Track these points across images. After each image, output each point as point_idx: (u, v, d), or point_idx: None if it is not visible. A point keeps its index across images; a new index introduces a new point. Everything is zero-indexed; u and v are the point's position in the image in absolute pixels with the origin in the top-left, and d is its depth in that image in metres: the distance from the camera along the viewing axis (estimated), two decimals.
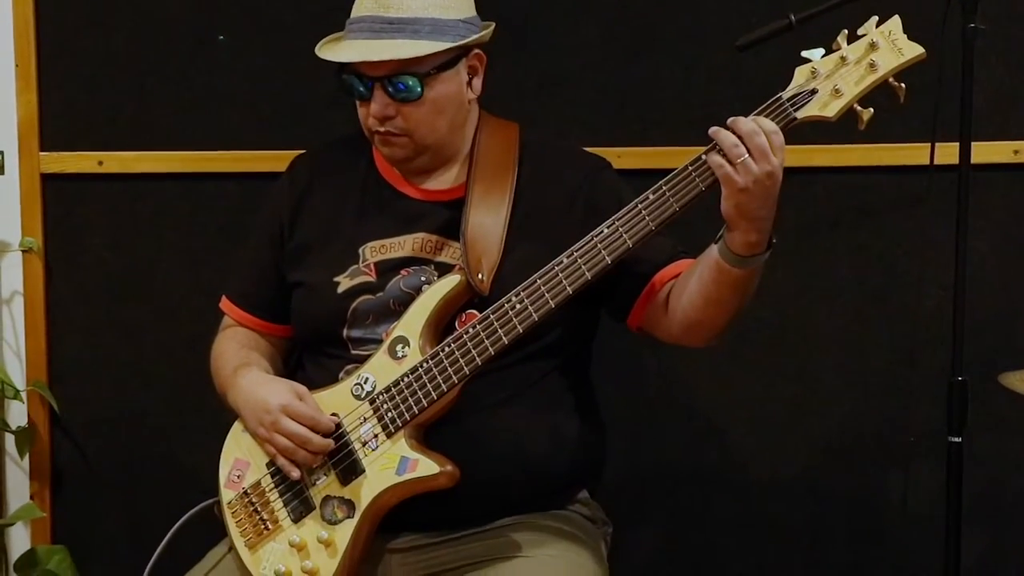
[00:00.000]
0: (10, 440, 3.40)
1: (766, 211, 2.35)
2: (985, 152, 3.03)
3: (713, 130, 2.35)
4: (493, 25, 2.65)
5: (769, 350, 3.27)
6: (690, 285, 2.50)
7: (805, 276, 3.25)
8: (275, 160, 3.24)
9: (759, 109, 2.37)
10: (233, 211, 3.33)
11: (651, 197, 2.43)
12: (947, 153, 2.65)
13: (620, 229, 2.44)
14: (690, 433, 3.34)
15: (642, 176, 3.10)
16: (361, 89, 2.58)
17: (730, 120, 2.34)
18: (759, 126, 2.31)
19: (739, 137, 2.31)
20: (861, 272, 3.26)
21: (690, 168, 2.40)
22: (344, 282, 2.62)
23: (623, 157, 3.18)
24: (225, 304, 2.82)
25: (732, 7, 3.20)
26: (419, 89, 2.54)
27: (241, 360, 2.68)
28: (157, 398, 3.41)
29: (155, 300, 3.38)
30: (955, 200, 2.60)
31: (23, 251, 3.36)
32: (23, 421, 3.40)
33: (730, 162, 2.31)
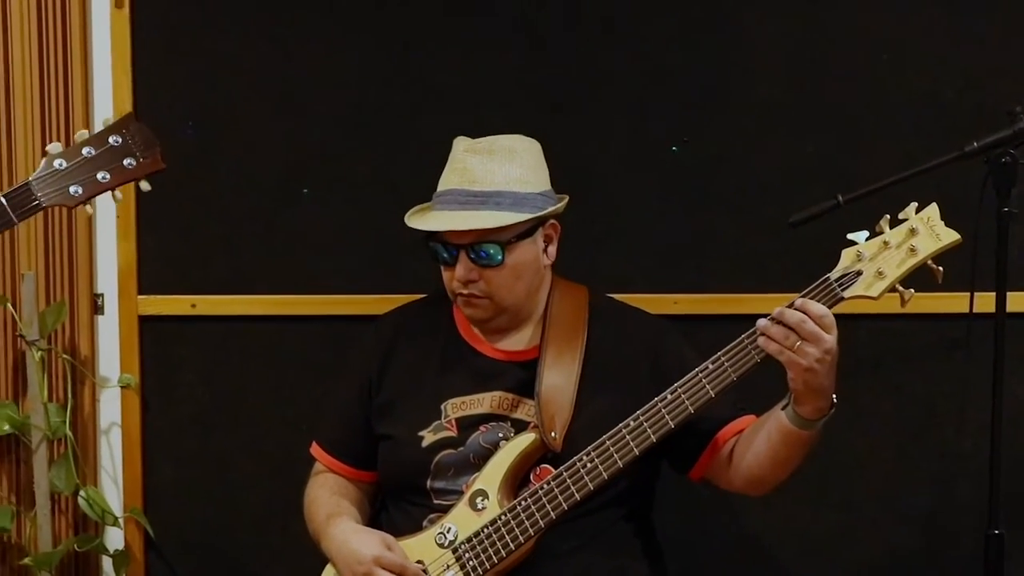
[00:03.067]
0: (108, 563, 3.60)
1: (829, 380, 2.59)
2: (1021, 301, 3.19)
3: (762, 326, 2.57)
4: (567, 198, 2.89)
5: (816, 481, 3.45)
6: (756, 444, 2.73)
7: (850, 414, 3.40)
8: (355, 304, 3.51)
9: (808, 290, 2.60)
10: (316, 351, 3.55)
11: (710, 367, 2.66)
12: (985, 302, 2.82)
13: (682, 396, 2.67)
14: (741, 557, 3.53)
15: (697, 321, 3.38)
16: (446, 255, 2.82)
17: (776, 312, 2.56)
18: (806, 312, 2.53)
19: (789, 327, 2.53)
20: (903, 412, 3.46)
21: (746, 341, 2.63)
22: (428, 437, 2.85)
23: (680, 303, 3.42)
24: (316, 450, 3.05)
25: (780, 166, 3.44)
26: (500, 256, 2.78)
27: (332, 509, 2.91)
28: (245, 524, 3.62)
29: (243, 433, 3.60)
30: (993, 346, 2.79)
31: (121, 387, 3.59)
32: (120, 545, 3.61)
33: (788, 348, 2.53)
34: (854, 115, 3.43)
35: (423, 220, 2.84)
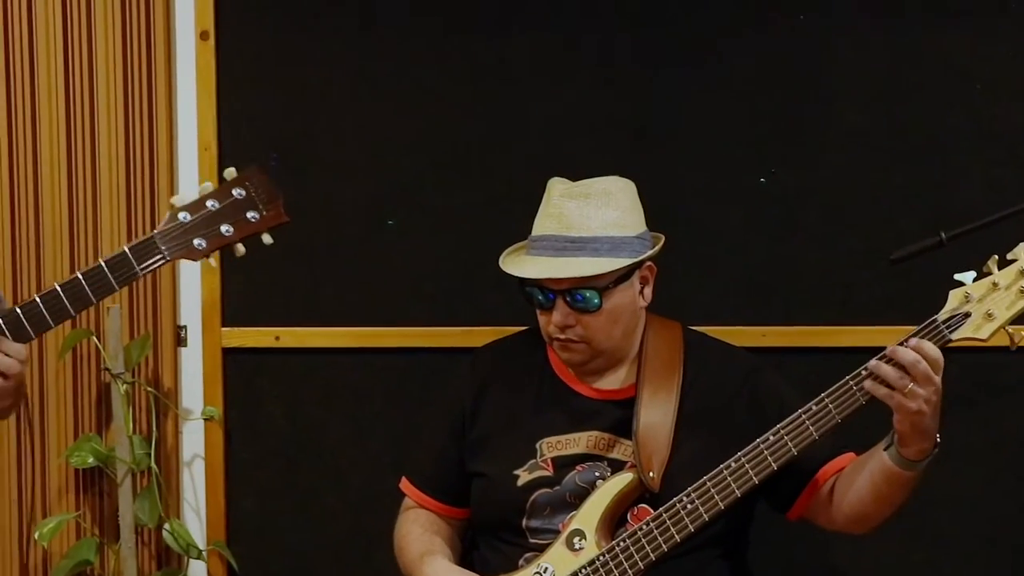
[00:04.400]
0: None
1: (935, 422, 2.56)
2: None
3: (874, 365, 2.54)
4: (663, 239, 2.86)
5: (910, 518, 3.37)
6: (858, 483, 2.70)
7: (943, 447, 3.40)
8: (440, 336, 3.50)
9: (917, 331, 2.57)
10: (400, 384, 3.54)
11: (814, 408, 2.63)
12: None
13: (785, 437, 2.64)
14: None
15: (785, 353, 3.36)
16: (542, 299, 2.80)
17: (889, 350, 2.53)
18: (921, 353, 2.49)
19: (902, 367, 2.49)
20: (996, 444, 3.43)
21: (851, 383, 2.60)
22: (523, 475, 2.83)
23: (768, 336, 3.40)
24: (406, 486, 3.03)
25: (868, 197, 3.41)
26: (597, 301, 2.76)
27: (426, 546, 2.89)
28: (328, 558, 3.60)
29: (326, 466, 3.58)
30: None
31: (204, 419, 3.58)
32: None
33: (897, 390, 2.50)
34: (944, 146, 3.40)
35: (519, 265, 2.82)
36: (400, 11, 3.49)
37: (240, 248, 2.32)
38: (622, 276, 2.77)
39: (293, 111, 3.52)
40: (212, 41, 3.48)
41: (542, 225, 2.81)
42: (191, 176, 3.54)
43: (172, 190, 3.53)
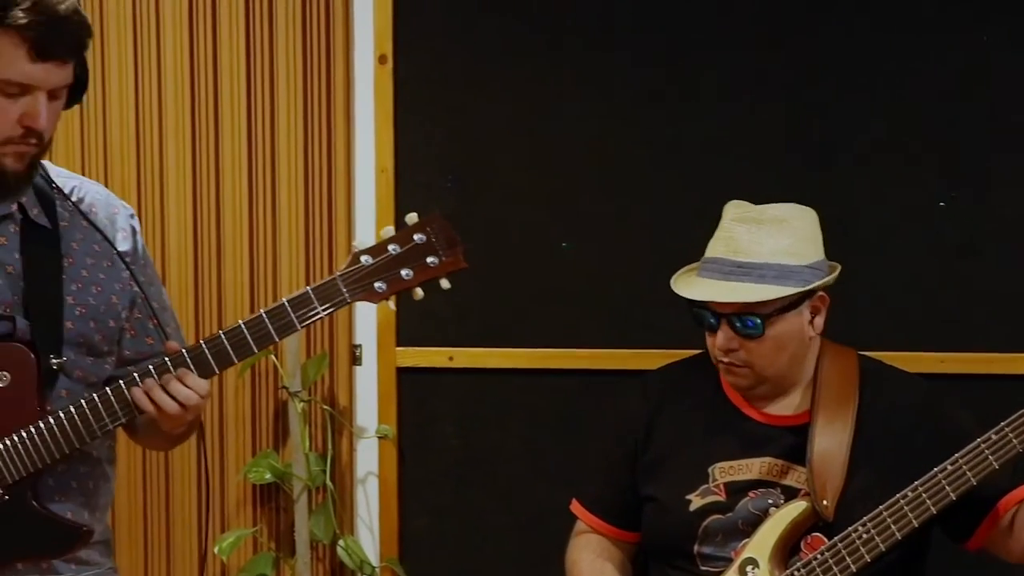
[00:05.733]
0: None
1: None
2: None
3: None
4: (838, 268, 2.82)
5: None
6: None
7: None
8: (612, 358, 3.51)
9: None
10: (572, 405, 3.56)
11: (993, 438, 2.57)
12: None
13: (964, 467, 2.58)
14: None
15: (964, 380, 3.29)
16: (711, 321, 2.78)
17: None
18: None
19: None
20: None
21: None
22: (695, 501, 2.81)
23: (946, 362, 3.35)
24: (577, 508, 3.03)
25: None
26: (761, 328, 2.73)
27: (597, 572, 2.89)
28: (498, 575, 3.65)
29: (499, 485, 3.62)
30: None
31: (379, 437, 3.63)
32: None
33: None
34: None
35: (688, 286, 2.81)
36: (576, 38, 3.51)
37: (419, 292, 2.35)
38: (789, 304, 2.74)
39: (469, 134, 3.57)
40: (390, 65, 3.54)
41: (713, 248, 2.80)
42: (368, 197, 3.60)
43: (349, 211, 3.60)
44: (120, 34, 3.62)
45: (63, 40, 2.19)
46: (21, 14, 2.14)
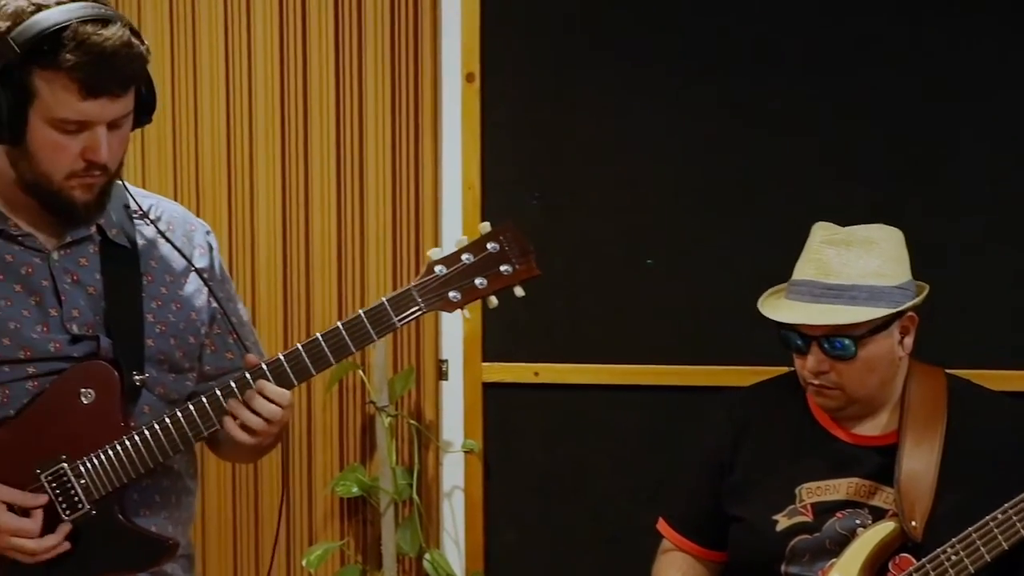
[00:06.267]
0: None
1: None
2: None
3: None
4: (927, 289, 2.81)
5: None
6: None
7: None
8: (696, 375, 3.52)
9: None
10: (656, 421, 3.57)
11: None
12: None
13: None
14: None
15: None
16: (800, 344, 2.78)
17: None
18: None
19: None
20: None
21: None
22: (782, 521, 2.81)
23: None
24: (663, 527, 3.04)
25: None
26: (853, 350, 2.73)
27: None
28: None
29: (583, 501, 3.63)
30: None
31: (464, 452, 3.66)
32: None
33: None
34: None
35: (776, 309, 2.81)
36: (661, 55, 3.52)
37: (493, 300, 2.37)
38: (880, 326, 2.74)
39: (555, 151, 3.58)
40: (477, 83, 3.56)
41: (802, 270, 2.80)
42: (455, 213, 3.63)
43: (436, 228, 3.63)
44: (212, 54, 3.68)
45: (113, 76, 2.21)
46: (69, 56, 2.17)
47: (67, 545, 2.30)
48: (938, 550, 2.64)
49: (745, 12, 3.48)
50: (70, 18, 2.18)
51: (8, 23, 2.19)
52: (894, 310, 2.73)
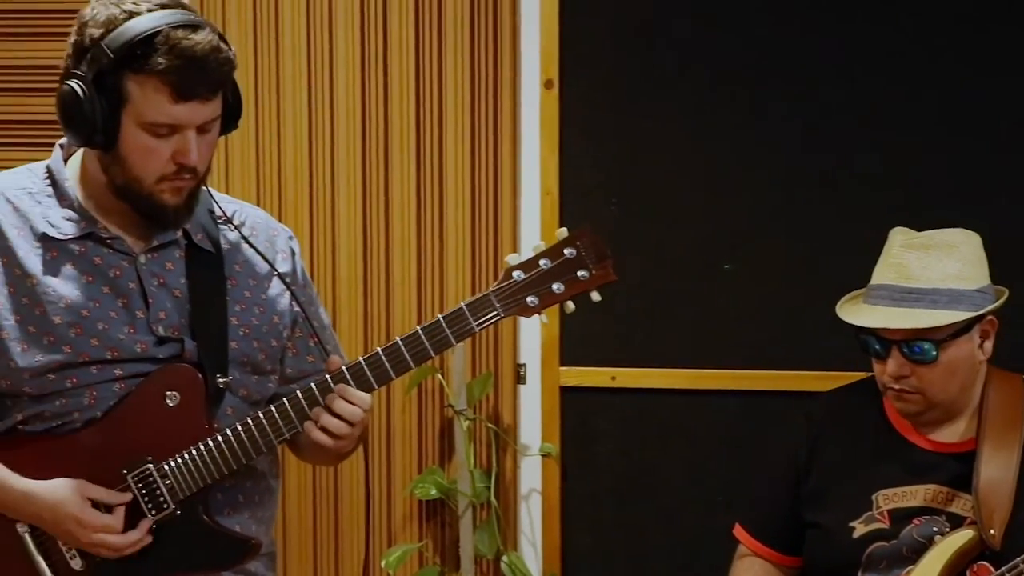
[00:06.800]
0: None
1: None
2: None
3: None
4: (1007, 292, 2.80)
5: None
6: None
7: None
8: (773, 380, 3.52)
9: None
10: (733, 426, 3.58)
11: None
12: None
13: None
14: None
15: None
16: (878, 348, 2.78)
17: None
18: None
19: None
20: None
21: None
22: (859, 528, 2.81)
23: None
24: (740, 532, 3.04)
25: None
26: (934, 353, 2.72)
27: None
28: None
29: (659, 505, 3.64)
30: None
31: (542, 455, 3.68)
32: None
33: None
34: None
35: (856, 313, 2.80)
36: (740, 60, 3.53)
37: (570, 305, 2.39)
38: (961, 329, 2.73)
39: (633, 157, 3.60)
40: (556, 90, 3.59)
41: (881, 274, 2.80)
42: (533, 219, 3.65)
43: (515, 233, 3.66)
44: (295, 62, 3.72)
45: (203, 80, 2.26)
46: (161, 60, 2.22)
47: (149, 539, 2.34)
48: (1017, 559, 2.62)
49: (828, 15, 3.49)
50: (161, 24, 2.23)
51: (101, 30, 2.24)
52: (975, 313, 2.72)
